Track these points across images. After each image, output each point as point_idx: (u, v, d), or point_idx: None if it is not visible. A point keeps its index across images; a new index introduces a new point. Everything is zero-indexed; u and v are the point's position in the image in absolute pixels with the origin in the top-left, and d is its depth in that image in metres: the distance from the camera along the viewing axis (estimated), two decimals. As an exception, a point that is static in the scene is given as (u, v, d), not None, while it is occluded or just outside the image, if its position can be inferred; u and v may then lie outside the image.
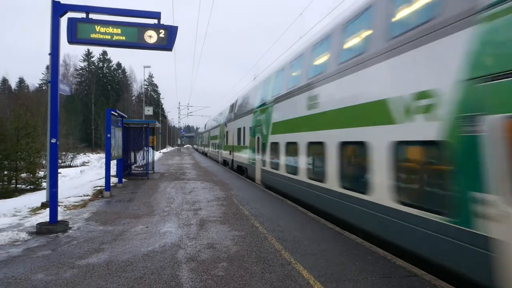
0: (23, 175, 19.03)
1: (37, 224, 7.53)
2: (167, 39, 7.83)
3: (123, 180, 15.82)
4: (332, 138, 8.46)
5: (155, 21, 7.85)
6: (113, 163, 15.06)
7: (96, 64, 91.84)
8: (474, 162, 4.28)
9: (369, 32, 7.12)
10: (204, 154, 52.02)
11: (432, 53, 5.24)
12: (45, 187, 14.36)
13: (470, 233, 4.31)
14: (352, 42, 7.99)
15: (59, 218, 7.89)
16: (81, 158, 46.28)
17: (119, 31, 7.66)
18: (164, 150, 74.53)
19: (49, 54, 8.14)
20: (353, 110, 7.55)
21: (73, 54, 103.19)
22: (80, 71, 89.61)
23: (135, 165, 19.45)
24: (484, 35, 4.28)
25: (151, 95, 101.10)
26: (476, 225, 4.22)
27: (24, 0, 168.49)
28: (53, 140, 7.75)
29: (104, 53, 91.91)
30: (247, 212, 9.46)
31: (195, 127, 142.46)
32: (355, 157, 7.84)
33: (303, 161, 10.37)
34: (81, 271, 5.13)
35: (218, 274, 5.04)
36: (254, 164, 16.70)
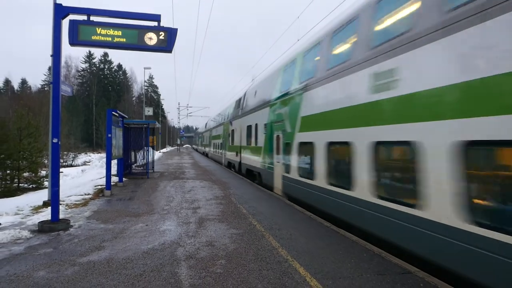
0: (26, 174, 18.99)
1: (39, 222, 7.50)
2: (167, 41, 7.82)
3: (124, 179, 15.79)
4: (438, 136, 4.95)
5: (155, 23, 7.84)
6: (114, 163, 15.03)
7: (97, 65, 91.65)
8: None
9: None
10: (205, 154, 48.69)
11: None
12: (47, 186, 14.34)
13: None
14: None
15: (61, 216, 7.87)
16: (82, 157, 46.17)
17: (119, 33, 7.64)
18: (164, 150, 74.42)
19: (51, 55, 8.11)
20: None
21: (74, 56, 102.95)
22: (82, 72, 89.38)
23: (135, 164, 19.40)
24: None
25: (151, 96, 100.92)
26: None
27: (27, 2, 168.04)
28: (55, 140, 7.72)
29: (105, 54, 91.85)
30: (245, 211, 9.46)
31: (194, 127, 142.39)
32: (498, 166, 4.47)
33: (365, 172, 6.75)
34: (82, 268, 5.12)
35: (216, 271, 5.03)
36: (271, 169, 13.21)
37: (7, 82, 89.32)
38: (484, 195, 4.48)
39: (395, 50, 6.02)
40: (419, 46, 5.44)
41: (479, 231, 4.21)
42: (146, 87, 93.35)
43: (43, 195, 11.59)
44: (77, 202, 10.49)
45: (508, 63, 3.97)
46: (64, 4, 7.57)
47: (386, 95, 6.23)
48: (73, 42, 7.48)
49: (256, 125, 15.79)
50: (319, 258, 5.68)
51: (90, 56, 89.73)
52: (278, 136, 12.28)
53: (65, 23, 7.54)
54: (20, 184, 18.19)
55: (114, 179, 15.23)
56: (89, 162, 40.80)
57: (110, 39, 7.61)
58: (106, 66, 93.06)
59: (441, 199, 4.84)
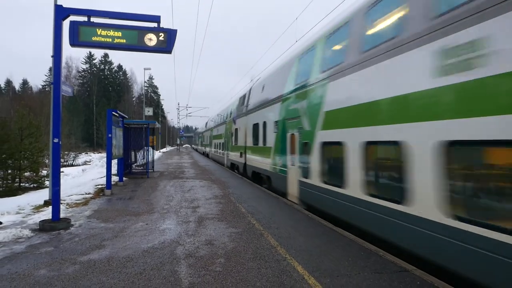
0: (27, 174, 18.93)
1: (40, 221, 7.50)
2: (167, 42, 7.82)
3: (124, 178, 15.79)
4: None
5: (155, 24, 7.84)
6: (114, 162, 15.01)
7: (98, 66, 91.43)
8: None
9: None
10: (205, 155, 46.58)
11: None
12: (47, 185, 14.31)
13: None
14: None
15: (62, 215, 7.86)
16: (83, 157, 46.05)
17: (120, 34, 7.64)
18: (164, 150, 74.37)
19: (52, 56, 8.11)
20: None
21: (75, 57, 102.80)
22: (82, 73, 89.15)
23: (135, 164, 19.38)
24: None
25: (151, 96, 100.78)
26: None
27: (28, 3, 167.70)
28: (56, 140, 7.71)
29: (106, 55, 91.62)
30: (244, 210, 9.46)
31: (193, 127, 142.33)
32: None
33: (430, 182, 5.01)
34: (83, 267, 5.12)
35: (216, 269, 5.03)
36: (283, 173, 11.43)
37: (8, 82, 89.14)
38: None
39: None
40: None
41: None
42: (146, 88, 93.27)
43: (44, 194, 11.57)
44: (77, 201, 10.48)
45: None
46: (64, 6, 7.56)
47: (471, 75, 4.38)
48: (74, 43, 7.48)
49: (265, 123, 13.97)
50: (317, 256, 5.69)
51: (90, 56, 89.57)
52: (292, 135, 10.54)
53: (65, 24, 7.54)
54: (21, 184, 18.14)
55: (115, 178, 15.21)
56: (89, 161, 40.70)
57: (110, 40, 7.60)
58: (107, 67, 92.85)
59: None
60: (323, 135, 8.58)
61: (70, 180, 18.37)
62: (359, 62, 7.03)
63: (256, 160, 15.55)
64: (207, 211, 9.24)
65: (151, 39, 7.74)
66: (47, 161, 21.13)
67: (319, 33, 9.65)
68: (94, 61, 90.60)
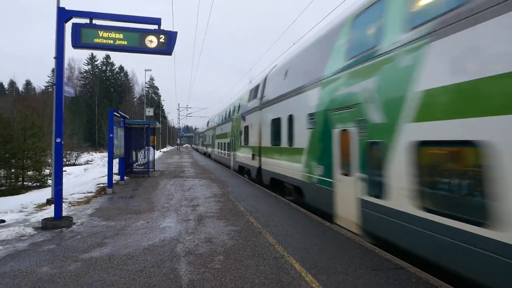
0: (30, 173, 18.91)
1: (43, 219, 7.48)
2: (167, 44, 7.81)
3: (125, 177, 15.75)
4: None
5: (155, 26, 7.82)
6: (116, 162, 15.01)
7: (100, 67, 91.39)
8: None
9: None
10: (207, 155, 43.41)
11: None
12: (50, 184, 14.27)
13: None
14: None
15: (64, 214, 7.85)
16: (85, 157, 45.99)
17: (121, 36, 7.62)
18: (164, 149, 74.28)
19: (55, 57, 8.10)
20: None
21: (77, 58, 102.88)
22: (84, 74, 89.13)
23: (136, 163, 19.35)
24: None
25: (152, 97, 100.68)
26: None
27: (31, 5, 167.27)
28: (58, 140, 7.69)
29: (107, 57, 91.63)
30: (243, 208, 9.45)
31: (193, 128, 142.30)
32: None
33: None
34: (85, 264, 5.10)
35: (215, 267, 5.02)
36: (328, 185, 8.05)
37: (12, 83, 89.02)
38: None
39: None
40: None
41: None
42: (147, 89, 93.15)
43: (46, 193, 11.54)
44: (79, 200, 10.45)
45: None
46: (67, 8, 7.55)
47: None
48: (76, 44, 7.46)
49: (291, 117, 10.73)
50: (314, 254, 5.68)
51: (92, 58, 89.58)
52: (344, 133, 7.42)
53: (68, 26, 7.52)
54: (24, 183, 18.12)
55: (116, 177, 15.18)
56: (91, 161, 40.67)
57: (112, 41, 7.59)
58: (108, 68, 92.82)
59: None
60: (419, 130, 5.19)
61: (72, 179, 18.36)
62: None
63: (278, 165, 12.07)
64: (206, 210, 9.23)
65: (152, 41, 7.73)
66: (49, 160, 21.10)
67: None
68: (96, 63, 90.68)
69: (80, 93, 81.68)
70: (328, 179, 8.12)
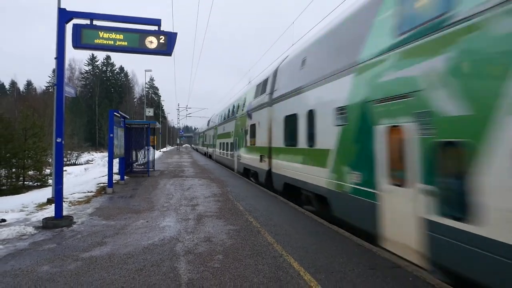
0: (30, 172, 18.89)
1: (43, 219, 7.47)
2: (167, 45, 7.80)
3: (125, 177, 15.73)
4: None
5: (155, 27, 7.81)
6: (116, 161, 15.00)
7: (100, 68, 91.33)
8: None
9: None
10: (207, 156, 41.39)
11: None
12: (51, 184, 14.25)
13: None
14: None
15: (64, 213, 7.83)
16: (85, 156, 45.92)
17: (121, 37, 7.61)
18: (164, 149, 74.24)
19: (55, 58, 8.08)
20: None
21: (78, 58, 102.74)
22: (85, 75, 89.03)
23: (136, 163, 19.34)
24: None
25: (152, 97, 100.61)
26: None
27: (31, 5, 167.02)
28: (59, 140, 7.68)
29: (108, 57, 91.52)
30: (242, 208, 9.44)
31: (193, 128, 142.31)
32: None
33: None
34: (85, 263, 5.09)
35: (214, 266, 5.02)
36: (369, 197, 6.35)
37: (13, 83, 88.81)
38: None
39: None
40: None
41: None
42: (147, 89, 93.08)
43: (47, 192, 11.52)
44: (80, 200, 10.43)
45: None
46: (68, 9, 7.54)
47: None
48: (77, 45, 7.45)
49: (311, 112, 8.96)
50: (312, 253, 5.68)
51: (93, 58, 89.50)
52: (393, 129, 5.78)
53: (69, 27, 7.51)
54: (25, 182, 18.09)
55: (116, 177, 15.17)
56: (92, 161, 40.62)
57: (112, 42, 7.58)
58: (109, 69, 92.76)
59: None
60: None
61: (72, 179, 18.34)
62: None
63: (293, 169, 10.23)
64: (206, 209, 9.22)
65: (152, 42, 7.72)
66: (50, 160, 21.07)
67: None
68: (96, 63, 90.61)
69: (81, 93, 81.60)
70: (369, 189, 6.32)
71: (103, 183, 13.78)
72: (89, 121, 77.13)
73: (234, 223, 7.72)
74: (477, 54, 4.21)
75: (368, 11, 6.83)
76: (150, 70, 44.31)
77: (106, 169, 14.50)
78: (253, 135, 15.67)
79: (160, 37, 7.75)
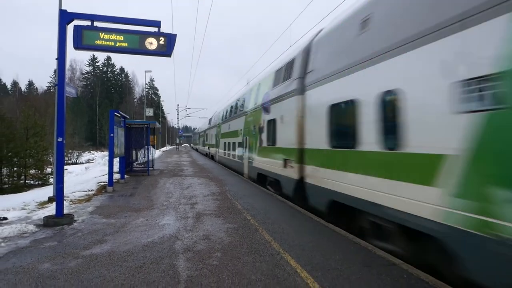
0: (32, 171, 18.78)
1: (44, 217, 7.44)
2: (167, 46, 7.78)
3: (125, 176, 15.69)
4: None
5: (155, 29, 7.79)
6: (116, 161, 14.96)
7: (101, 68, 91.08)
8: None
9: None
10: (209, 156, 37.34)
11: None
12: (52, 182, 14.20)
13: None
14: None
15: (65, 211, 7.81)
16: (86, 155, 45.70)
17: (122, 38, 7.59)
18: (164, 149, 74.14)
19: (56, 59, 8.04)
20: None
21: (79, 59, 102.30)
22: (86, 75, 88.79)
23: (136, 162, 19.32)
24: None
25: (152, 98, 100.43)
26: None
27: (33, 7, 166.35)
28: (60, 139, 7.66)
29: (108, 58, 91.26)
30: (240, 206, 9.44)
31: (192, 127, 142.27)
32: None
33: None
34: (85, 261, 5.08)
35: (212, 263, 5.02)
36: None
37: (15, 83, 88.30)
38: None
39: None
40: None
41: None
42: (147, 89, 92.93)
43: (48, 191, 11.47)
44: (80, 198, 10.40)
45: None
46: (69, 11, 7.51)
47: None
48: (78, 46, 7.42)
49: (391, 94, 5.72)
50: (309, 251, 5.68)
51: (94, 59, 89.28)
52: None
53: (70, 28, 7.48)
54: (26, 181, 18.00)
55: (116, 176, 15.14)
56: (92, 160, 40.43)
57: (112, 43, 7.55)
58: (109, 69, 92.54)
59: None
60: None
61: (73, 178, 18.26)
62: None
63: (352, 182, 6.77)
64: (204, 208, 9.21)
65: (151, 43, 7.70)
66: (51, 159, 21.01)
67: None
68: (97, 64, 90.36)
69: (82, 93, 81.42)
70: None
71: (104, 182, 13.75)
72: (90, 121, 76.94)
73: (232, 221, 7.72)
74: None
75: None
76: (150, 71, 44.41)
77: (107, 168, 14.47)
78: (271, 133, 12.35)
79: (160, 38, 7.73)
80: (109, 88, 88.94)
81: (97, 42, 7.48)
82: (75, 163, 35.65)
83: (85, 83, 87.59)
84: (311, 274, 4.66)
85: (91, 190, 11.94)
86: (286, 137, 10.71)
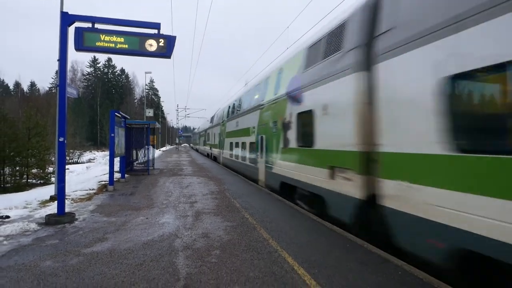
0: (34, 170, 18.74)
1: (46, 215, 7.42)
2: (166, 48, 7.78)
3: (126, 175, 15.68)
4: None
5: (155, 31, 7.79)
6: (117, 160, 14.92)
7: (102, 69, 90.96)
8: None
9: None
10: (211, 158, 33.38)
11: None
12: (53, 181, 14.18)
13: None
14: None
15: (67, 210, 7.80)
16: (87, 155, 45.62)
17: (122, 40, 7.58)
18: (164, 148, 74.03)
19: (58, 60, 8.01)
20: None
21: (80, 60, 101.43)
22: (87, 76, 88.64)
23: (136, 161, 19.29)
24: None
25: (152, 98, 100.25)
26: None
27: (35, 9, 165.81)
28: (61, 139, 7.64)
29: (109, 59, 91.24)
30: (239, 205, 9.44)
31: (191, 128, 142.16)
32: None
33: None
34: (86, 258, 5.07)
35: (211, 261, 5.02)
36: None
37: (17, 84, 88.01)
38: None
39: None
40: None
41: None
42: (147, 90, 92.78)
43: (50, 190, 11.45)
44: (82, 197, 10.38)
45: None
46: (70, 13, 7.50)
47: None
48: (79, 47, 7.41)
49: None
50: (306, 249, 5.69)
51: (95, 61, 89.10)
52: None
53: (71, 30, 7.47)
54: (28, 180, 17.96)
55: (117, 175, 15.11)
56: (93, 159, 40.36)
57: (113, 45, 7.54)
58: (110, 70, 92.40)
59: None
60: None
61: (74, 177, 18.20)
62: None
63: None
64: (204, 206, 9.21)
65: (151, 45, 7.70)
66: (53, 158, 20.96)
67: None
68: (98, 65, 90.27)
69: (83, 94, 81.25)
70: None
71: (104, 181, 13.73)
72: (90, 121, 76.82)
73: (231, 219, 7.72)
74: None
75: None
76: (150, 72, 44.37)
77: (107, 168, 14.43)
78: (305, 129, 8.97)
79: (160, 40, 7.72)
80: (110, 89, 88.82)
81: (98, 43, 7.47)
82: (77, 163, 35.58)
83: (86, 84, 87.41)
84: (308, 271, 4.67)
85: (92, 189, 11.92)
86: (334, 135, 7.41)
